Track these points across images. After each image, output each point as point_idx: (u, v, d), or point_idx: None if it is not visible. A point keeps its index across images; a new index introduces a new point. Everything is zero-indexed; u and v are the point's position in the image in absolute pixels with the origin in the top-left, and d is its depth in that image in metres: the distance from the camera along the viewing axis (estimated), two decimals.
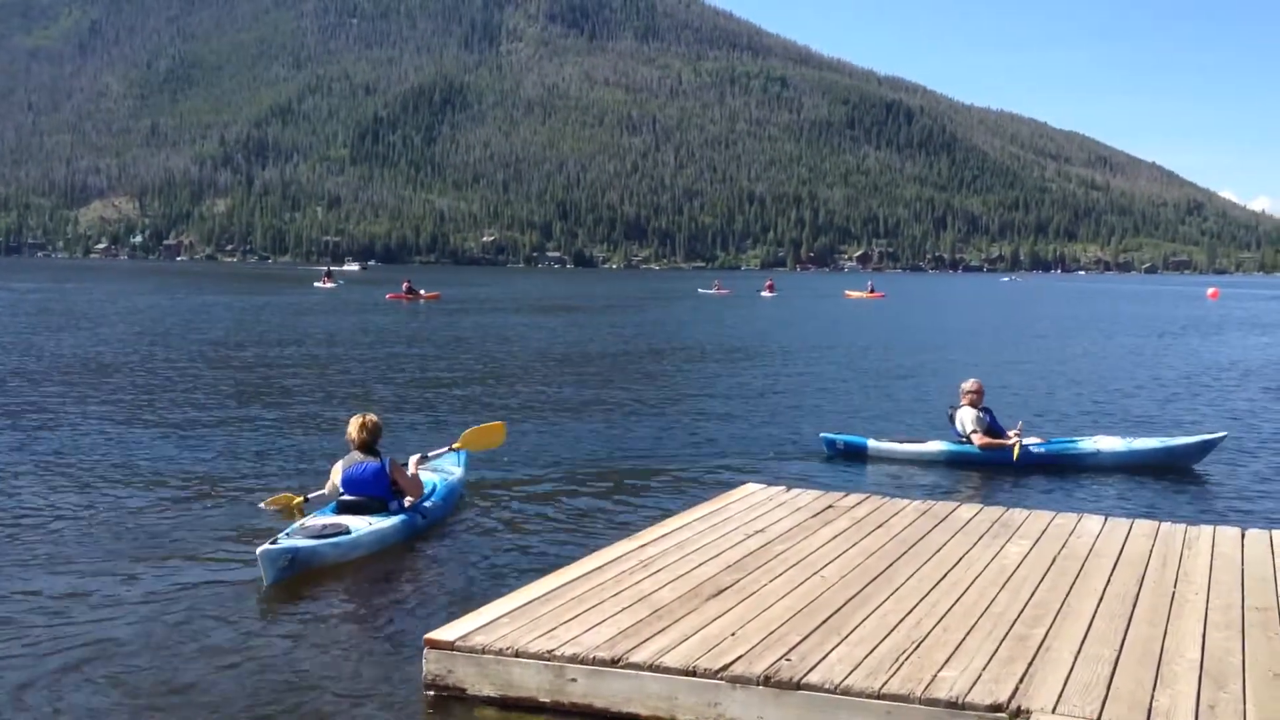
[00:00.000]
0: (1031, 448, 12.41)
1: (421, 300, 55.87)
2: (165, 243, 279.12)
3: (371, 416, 9.15)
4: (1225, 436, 13.16)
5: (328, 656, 6.24)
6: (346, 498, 8.85)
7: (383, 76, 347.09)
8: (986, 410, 12.77)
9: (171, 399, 17.08)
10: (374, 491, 8.83)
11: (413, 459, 9.54)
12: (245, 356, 24.48)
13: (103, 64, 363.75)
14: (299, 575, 7.74)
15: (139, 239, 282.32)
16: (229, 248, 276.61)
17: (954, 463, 12.53)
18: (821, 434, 13.43)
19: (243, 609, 7.07)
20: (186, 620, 6.80)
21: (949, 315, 55.87)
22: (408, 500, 9.02)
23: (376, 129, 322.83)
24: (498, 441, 10.45)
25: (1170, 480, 11.92)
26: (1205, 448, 12.68)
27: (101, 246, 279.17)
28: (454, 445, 10.24)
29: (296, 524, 8.49)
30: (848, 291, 77.93)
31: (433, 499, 9.41)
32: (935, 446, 12.78)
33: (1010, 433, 12.56)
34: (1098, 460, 12.41)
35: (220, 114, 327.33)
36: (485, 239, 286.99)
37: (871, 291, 74.63)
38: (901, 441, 13.13)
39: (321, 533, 8.21)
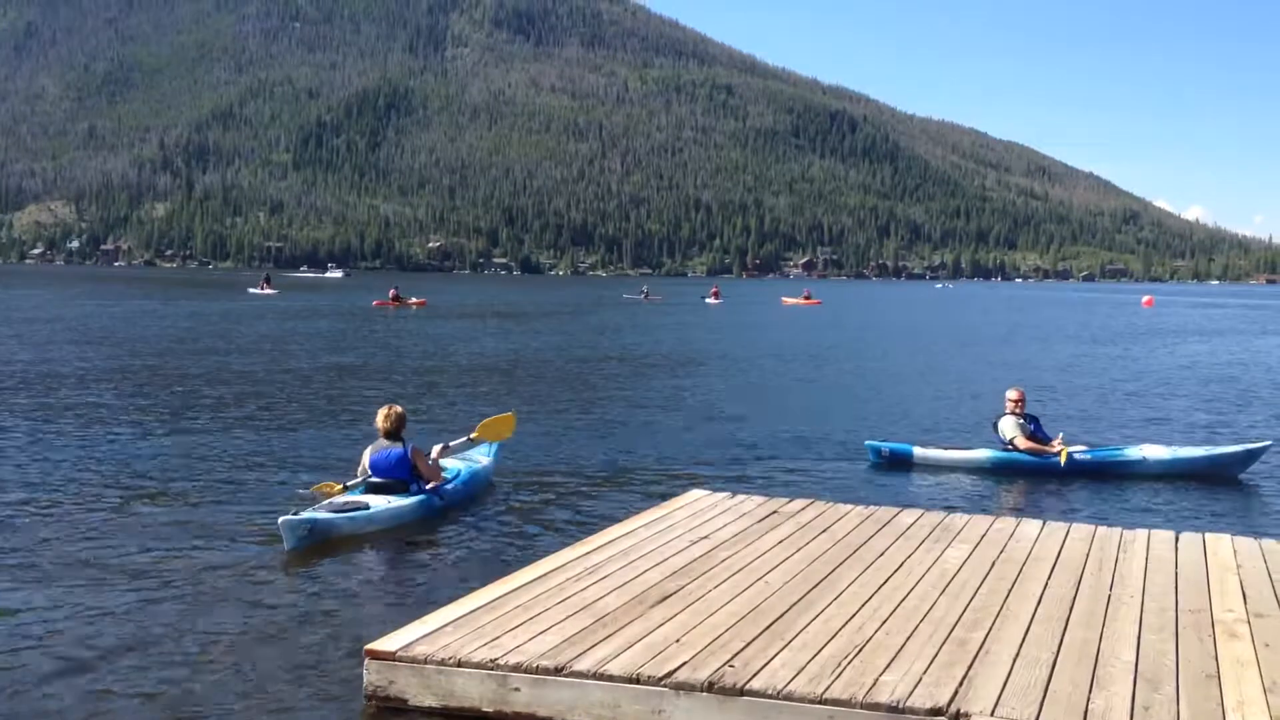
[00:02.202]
0: (1077, 455, 12.48)
1: (410, 306, 55.90)
2: (102, 248, 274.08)
3: (396, 408, 10.09)
4: (1270, 445, 13.14)
5: (264, 666, 6.15)
6: (373, 480, 9.83)
7: (326, 81, 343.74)
8: (1031, 419, 12.88)
9: (164, 405, 16.79)
10: (397, 475, 9.80)
11: (435, 448, 10.54)
12: (243, 364, 24.12)
13: (39, 66, 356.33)
14: (318, 544, 8.71)
15: (75, 244, 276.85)
16: (168, 253, 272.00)
17: (999, 470, 12.59)
18: (866, 441, 13.46)
19: (184, 619, 6.95)
20: (120, 626, 6.69)
21: (880, 320, 56.57)
22: (431, 484, 9.96)
23: (320, 134, 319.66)
24: (508, 433, 10.87)
25: (1215, 489, 11.99)
26: (1251, 456, 12.71)
27: (37, 251, 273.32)
28: (471, 436, 10.98)
29: (324, 501, 9.46)
30: (785, 298, 78.95)
31: (453, 483, 10.34)
32: (981, 454, 12.85)
33: (1054, 442, 12.64)
34: (1143, 468, 12.45)
35: (159, 117, 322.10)
36: (431, 245, 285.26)
37: (808, 298, 75.86)
38: (947, 449, 13.19)
39: (342, 508, 9.29)
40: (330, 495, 9.77)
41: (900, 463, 12.93)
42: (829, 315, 59.22)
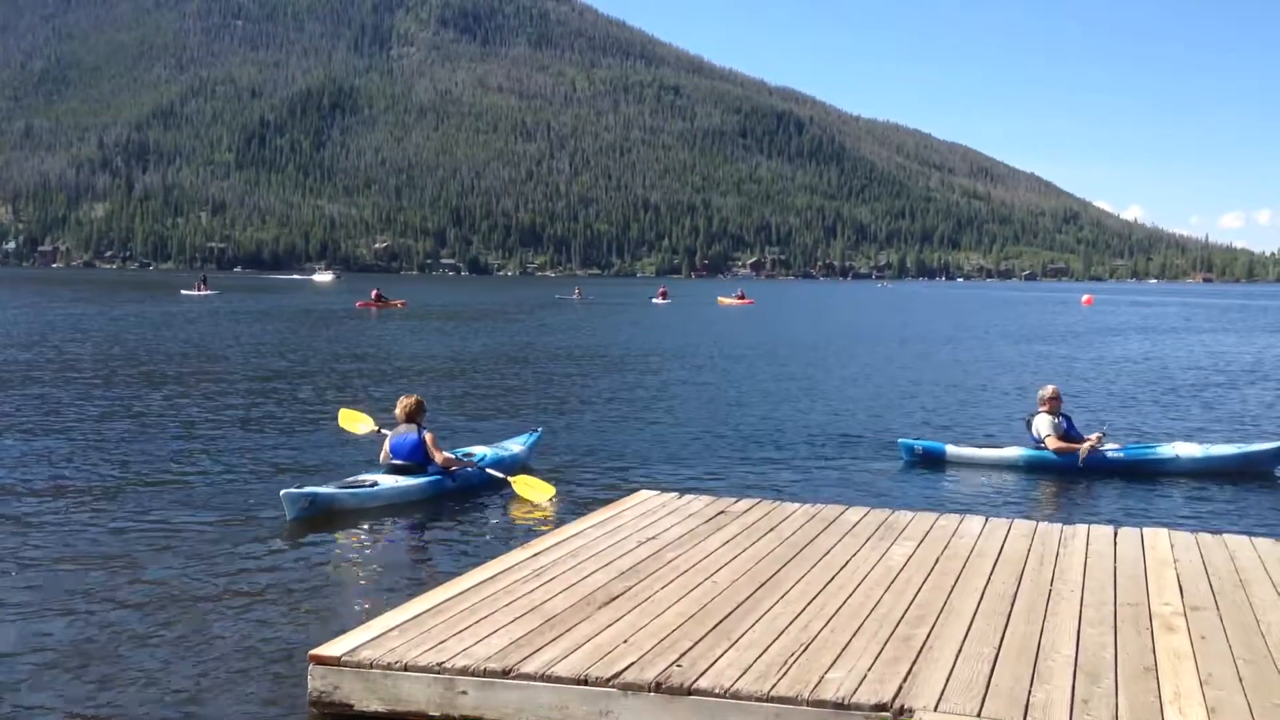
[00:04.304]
0: (1109, 454, 12.52)
1: (392, 307, 56.87)
2: (40, 249, 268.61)
3: (414, 397, 11.06)
4: None
5: (208, 671, 6.07)
6: (394, 461, 10.67)
7: (269, 80, 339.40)
8: (1065, 417, 12.88)
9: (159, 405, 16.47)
10: (413, 458, 10.62)
11: (461, 450, 11.54)
12: (271, 365, 23.75)
13: None
14: (321, 516, 9.51)
15: (12, 245, 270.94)
16: (107, 254, 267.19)
17: (1031, 468, 12.62)
18: (899, 439, 13.48)
19: (131, 622, 6.84)
20: (70, 636, 6.57)
21: (806, 319, 56.84)
22: (454, 467, 10.78)
23: (263, 133, 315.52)
24: (539, 500, 10.65)
25: (1248, 486, 12.02)
26: None
27: None
28: (510, 477, 10.93)
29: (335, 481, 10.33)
30: (720, 298, 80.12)
31: (472, 468, 11.06)
32: (1013, 452, 12.89)
33: (1090, 437, 12.62)
34: (1175, 466, 12.46)
35: (99, 116, 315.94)
36: (377, 246, 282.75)
37: (741, 298, 77.85)
38: (980, 447, 13.22)
39: (348, 484, 10.13)
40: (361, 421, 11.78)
41: (933, 461, 12.96)
42: (760, 315, 59.85)
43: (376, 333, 38.30)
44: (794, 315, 61.43)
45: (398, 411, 10.93)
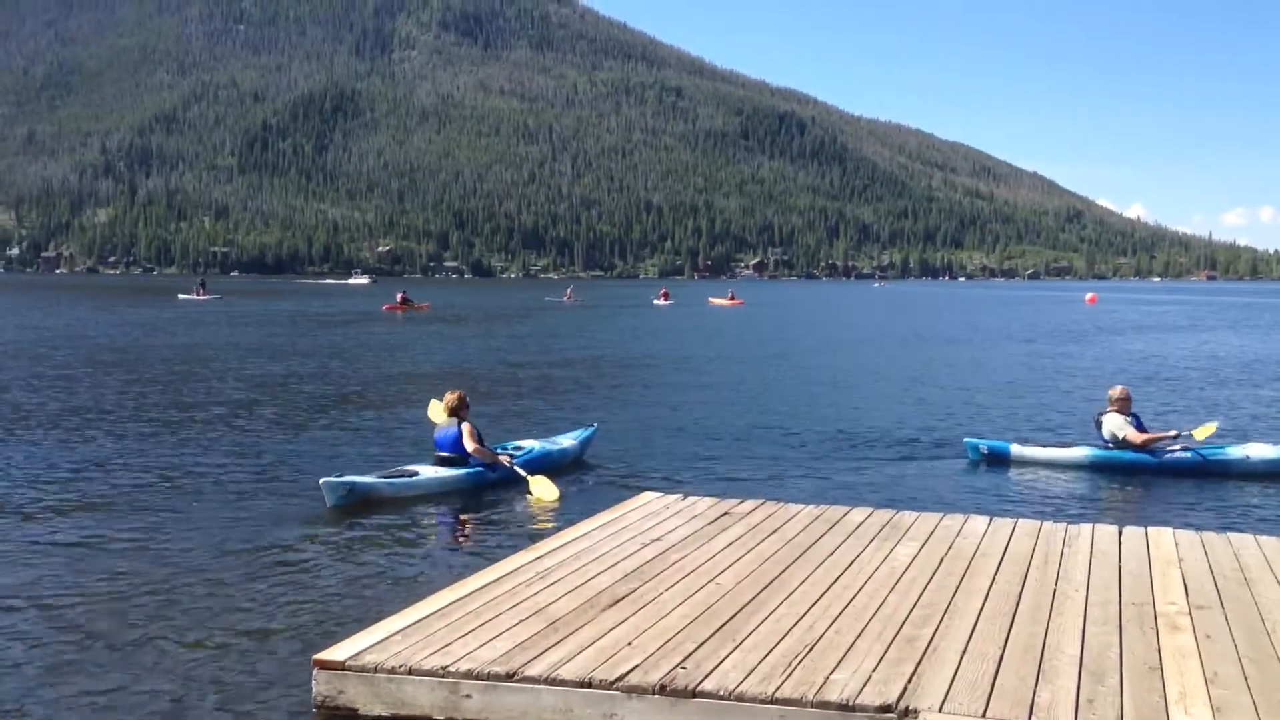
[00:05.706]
0: (1179, 455, 12.51)
1: (418, 310, 58.50)
2: (43, 255, 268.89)
3: (456, 392, 11.50)
4: None
5: (211, 677, 6.07)
6: (439, 454, 11.21)
7: (271, 84, 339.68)
8: (1134, 416, 12.86)
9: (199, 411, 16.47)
10: (455, 450, 11.14)
11: (504, 455, 11.66)
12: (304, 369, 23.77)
13: None
14: (360, 503, 9.98)
15: (15, 251, 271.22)
16: (111, 259, 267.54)
17: (1098, 468, 12.60)
18: (965, 439, 13.49)
19: (136, 624, 6.84)
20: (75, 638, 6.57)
21: (798, 321, 56.65)
22: (503, 459, 11.31)
23: (265, 137, 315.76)
24: (544, 502, 10.81)
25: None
26: None
27: None
28: (530, 476, 11.10)
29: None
30: (711, 299, 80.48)
31: (516, 459, 11.48)
32: (1080, 452, 12.87)
33: (1169, 431, 12.82)
34: (1246, 467, 12.37)
35: (101, 121, 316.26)
36: (381, 249, 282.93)
37: (732, 299, 78.51)
38: (1046, 447, 13.19)
39: (388, 474, 10.64)
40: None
41: (998, 460, 12.94)
42: (750, 316, 59.77)
43: (406, 334, 38.40)
44: (786, 317, 61.27)
45: (442, 406, 11.46)
